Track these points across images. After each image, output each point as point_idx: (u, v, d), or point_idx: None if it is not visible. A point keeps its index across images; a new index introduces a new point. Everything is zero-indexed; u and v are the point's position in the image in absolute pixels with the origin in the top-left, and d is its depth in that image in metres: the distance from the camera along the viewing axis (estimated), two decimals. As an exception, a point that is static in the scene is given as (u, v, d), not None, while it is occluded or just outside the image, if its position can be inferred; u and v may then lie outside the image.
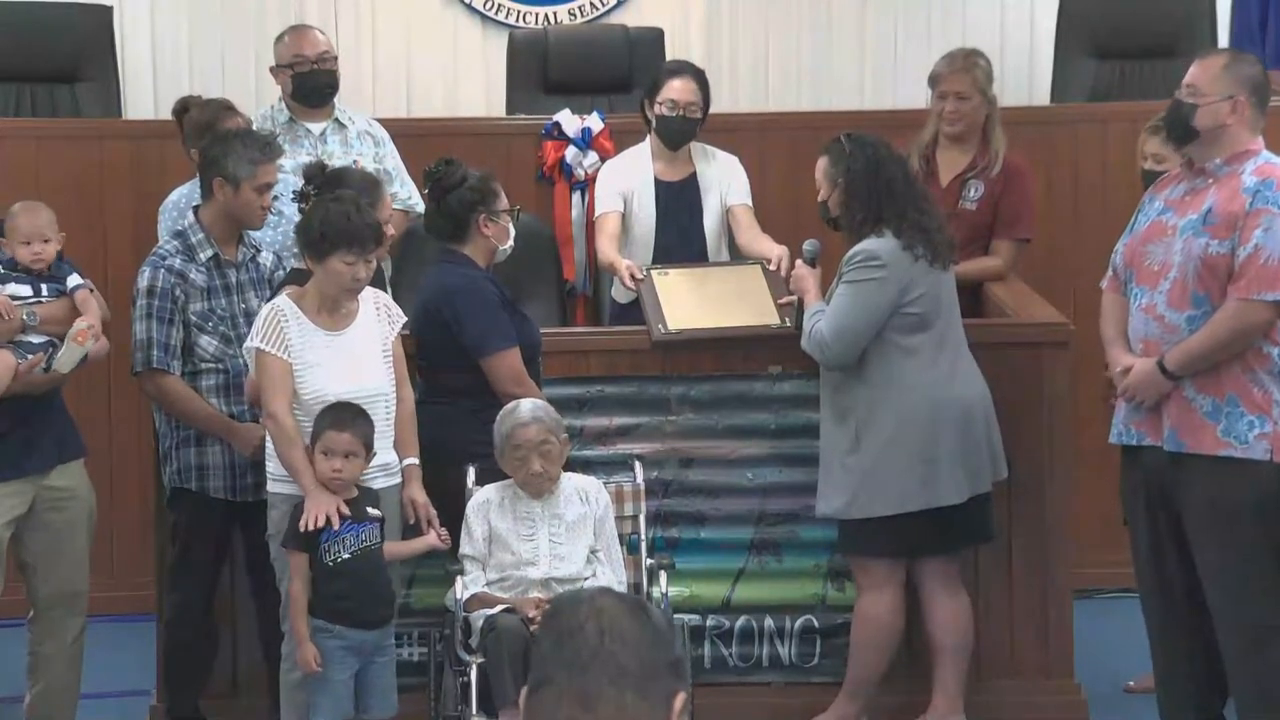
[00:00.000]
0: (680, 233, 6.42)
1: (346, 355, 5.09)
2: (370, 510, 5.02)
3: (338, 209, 5.02)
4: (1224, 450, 4.89)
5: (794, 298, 5.85)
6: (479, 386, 5.34)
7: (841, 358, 5.37)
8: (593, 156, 7.03)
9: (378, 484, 5.12)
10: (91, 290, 5.29)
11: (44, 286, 5.22)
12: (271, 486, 5.12)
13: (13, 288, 5.17)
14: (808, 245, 5.67)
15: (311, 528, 4.91)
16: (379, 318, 5.19)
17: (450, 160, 5.53)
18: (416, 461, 5.20)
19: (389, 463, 5.16)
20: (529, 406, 5.14)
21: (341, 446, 4.95)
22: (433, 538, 5.16)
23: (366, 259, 5.03)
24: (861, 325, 5.34)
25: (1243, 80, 4.96)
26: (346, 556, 4.97)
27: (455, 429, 5.35)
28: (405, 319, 5.28)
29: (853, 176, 5.41)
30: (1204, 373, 4.91)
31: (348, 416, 4.97)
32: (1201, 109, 4.94)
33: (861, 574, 5.56)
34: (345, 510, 4.95)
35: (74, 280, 5.24)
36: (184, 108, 6.16)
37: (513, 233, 5.56)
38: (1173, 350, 4.92)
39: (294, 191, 5.60)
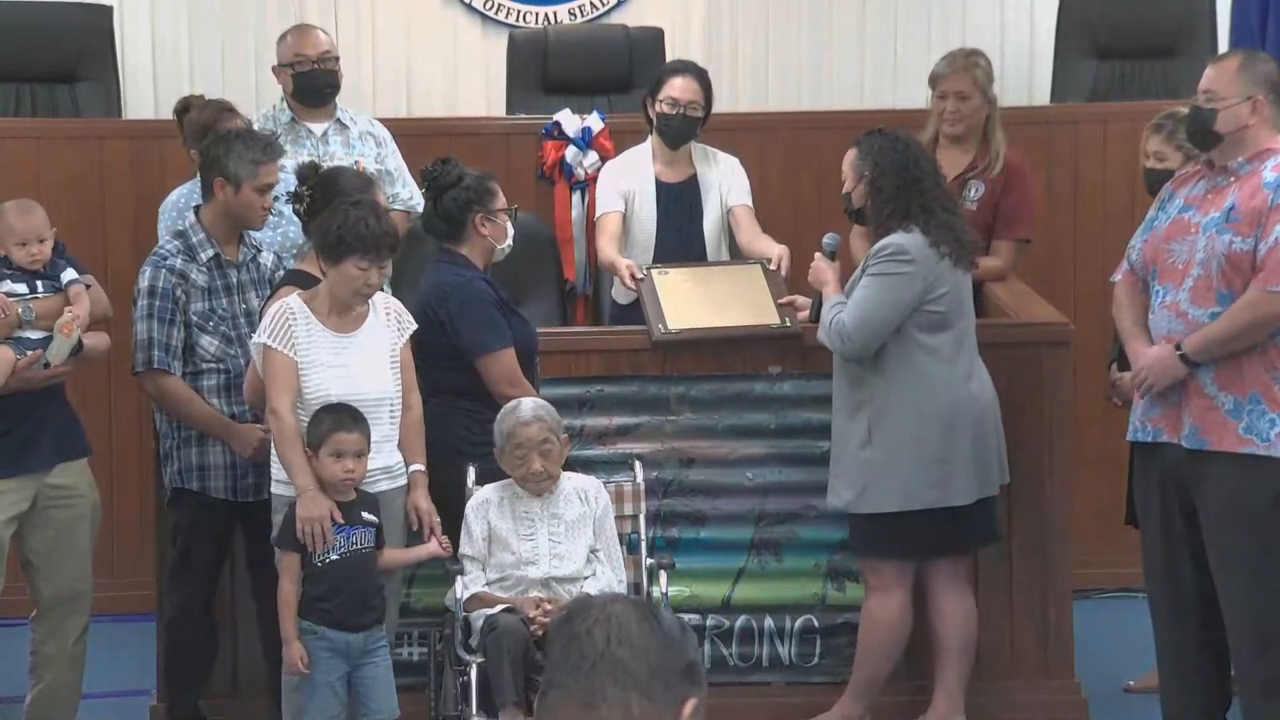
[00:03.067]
0: (680, 234, 6.42)
1: (353, 358, 5.09)
2: (365, 515, 5.02)
3: (357, 214, 5.02)
4: (1245, 448, 4.89)
5: (794, 298, 5.87)
6: (475, 386, 5.34)
7: (861, 349, 5.36)
8: (593, 156, 7.03)
9: (380, 487, 5.12)
10: (88, 286, 5.29)
11: (39, 283, 5.22)
12: (275, 488, 5.12)
13: (8, 285, 5.18)
14: (827, 239, 5.66)
15: (308, 544, 4.93)
16: (389, 322, 5.19)
17: (446, 159, 5.53)
18: (423, 468, 5.20)
19: (392, 465, 5.16)
20: (530, 405, 5.14)
21: (352, 447, 4.96)
22: (434, 546, 5.16)
23: (380, 265, 5.05)
24: (884, 318, 5.33)
25: (1260, 79, 4.96)
26: (335, 559, 4.97)
27: (453, 428, 5.35)
28: (415, 325, 5.26)
29: (880, 170, 5.41)
30: (1227, 371, 4.92)
31: (350, 418, 4.98)
32: (1222, 113, 4.94)
33: (871, 575, 5.55)
34: (339, 517, 4.96)
35: (69, 275, 5.25)
36: (185, 107, 6.18)
37: (511, 231, 5.55)
38: (1192, 336, 4.93)
39: (287, 192, 5.60)
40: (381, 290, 5.26)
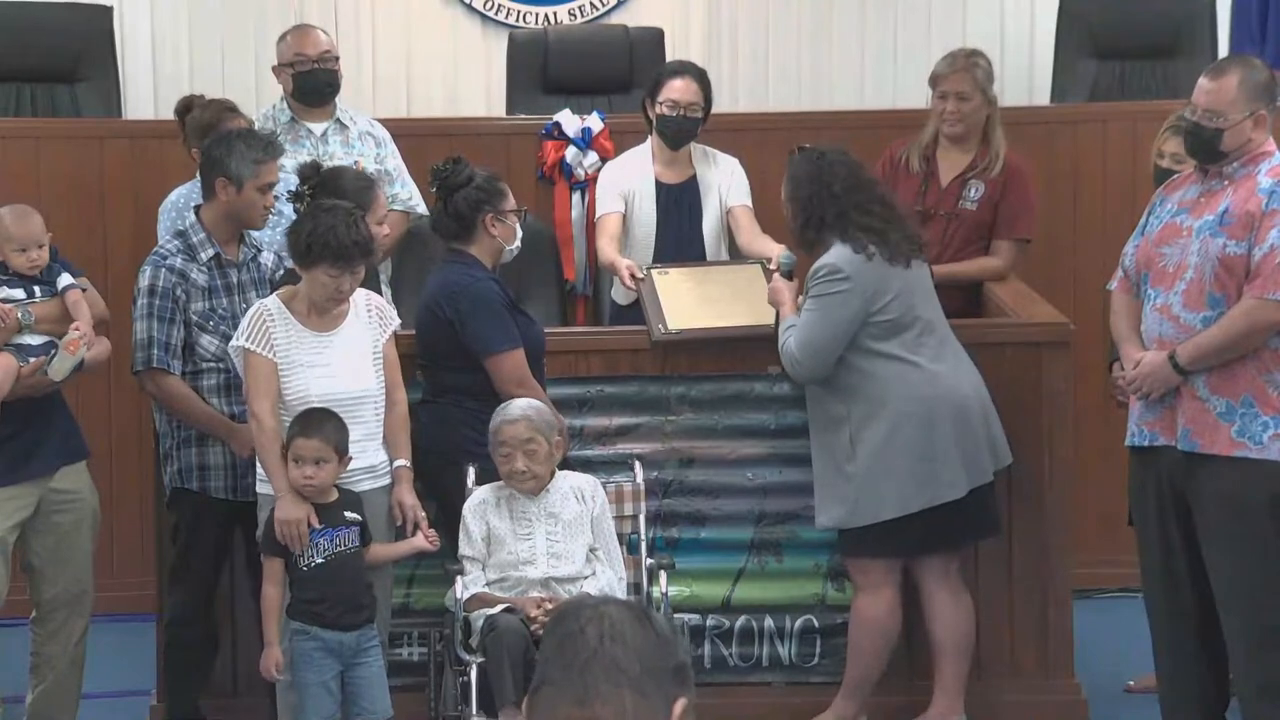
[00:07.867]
0: (680, 235, 6.42)
1: (334, 356, 5.09)
2: (348, 514, 5.01)
3: (327, 221, 5.00)
4: (1238, 451, 4.89)
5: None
6: (482, 386, 5.34)
7: (812, 372, 5.39)
8: (593, 156, 7.03)
9: (364, 486, 5.11)
10: (84, 290, 5.28)
11: (37, 288, 5.22)
12: (260, 488, 5.13)
13: (5, 291, 5.18)
14: (784, 257, 5.68)
15: (284, 543, 4.94)
16: (370, 319, 5.18)
17: (457, 159, 5.53)
18: (407, 463, 5.20)
19: (376, 464, 5.16)
20: (521, 405, 5.14)
21: (310, 453, 4.94)
22: (420, 540, 5.16)
23: (352, 272, 5.03)
24: (828, 339, 5.35)
25: (1259, 92, 4.96)
26: (320, 561, 4.97)
27: (456, 429, 5.36)
28: (398, 321, 5.27)
29: (795, 184, 5.47)
30: (1219, 374, 4.92)
31: (316, 422, 4.95)
32: (1228, 133, 4.94)
33: (859, 574, 5.56)
34: (315, 521, 4.95)
35: (65, 280, 5.25)
36: (187, 107, 6.17)
37: (519, 233, 5.56)
38: (1185, 344, 4.93)
39: (289, 191, 5.60)
40: (380, 290, 5.26)
